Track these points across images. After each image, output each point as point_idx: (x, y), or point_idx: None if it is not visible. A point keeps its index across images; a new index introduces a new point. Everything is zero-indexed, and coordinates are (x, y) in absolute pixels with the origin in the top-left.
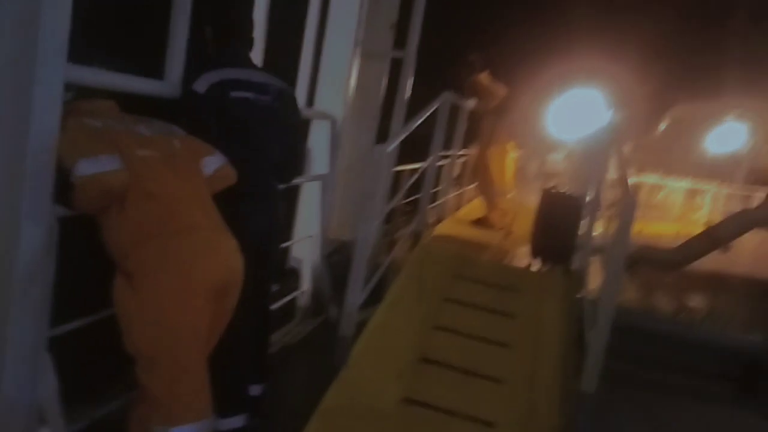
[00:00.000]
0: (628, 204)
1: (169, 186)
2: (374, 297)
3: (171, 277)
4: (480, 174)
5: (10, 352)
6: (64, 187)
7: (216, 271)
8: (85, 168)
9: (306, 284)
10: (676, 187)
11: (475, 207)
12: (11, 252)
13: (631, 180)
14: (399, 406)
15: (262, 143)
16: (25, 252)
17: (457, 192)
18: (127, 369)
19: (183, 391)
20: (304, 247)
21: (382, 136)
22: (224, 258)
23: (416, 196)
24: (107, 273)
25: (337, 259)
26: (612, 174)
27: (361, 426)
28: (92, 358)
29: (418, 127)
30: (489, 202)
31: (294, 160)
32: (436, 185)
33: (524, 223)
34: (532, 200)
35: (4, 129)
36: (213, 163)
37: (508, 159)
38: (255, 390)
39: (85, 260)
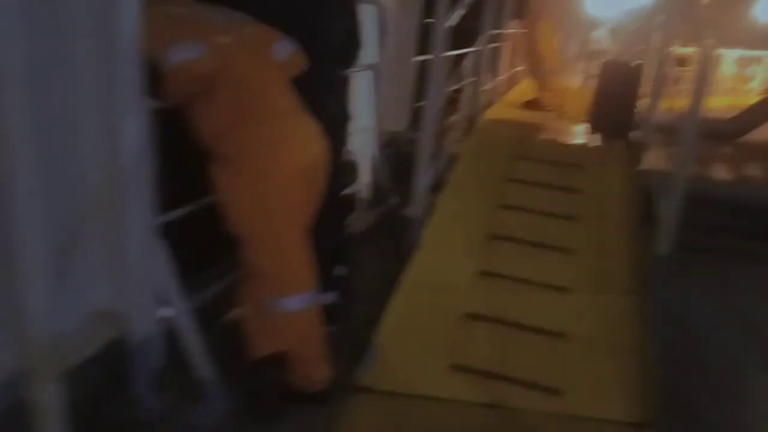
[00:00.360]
0: (703, 72)
1: (252, 72)
2: (435, 183)
3: (263, 160)
4: (529, 54)
5: (127, 240)
6: (154, 77)
7: (304, 153)
8: (173, 56)
9: (364, 177)
10: (727, 58)
11: (524, 88)
12: (113, 145)
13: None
14: (474, 279)
15: (323, 30)
16: (126, 144)
17: (506, 74)
18: (228, 251)
19: (287, 265)
20: (359, 139)
21: (425, 22)
22: (311, 140)
23: (465, 82)
24: (203, 161)
25: (390, 151)
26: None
27: (443, 297)
28: (196, 243)
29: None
30: (539, 83)
31: (353, 46)
32: (485, 69)
33: (575, 102)
34: (576, 80)
35: (91, 25)
36: (284, 49)
37: (555, 37)
38: (339, 270)
39: (181, 151)
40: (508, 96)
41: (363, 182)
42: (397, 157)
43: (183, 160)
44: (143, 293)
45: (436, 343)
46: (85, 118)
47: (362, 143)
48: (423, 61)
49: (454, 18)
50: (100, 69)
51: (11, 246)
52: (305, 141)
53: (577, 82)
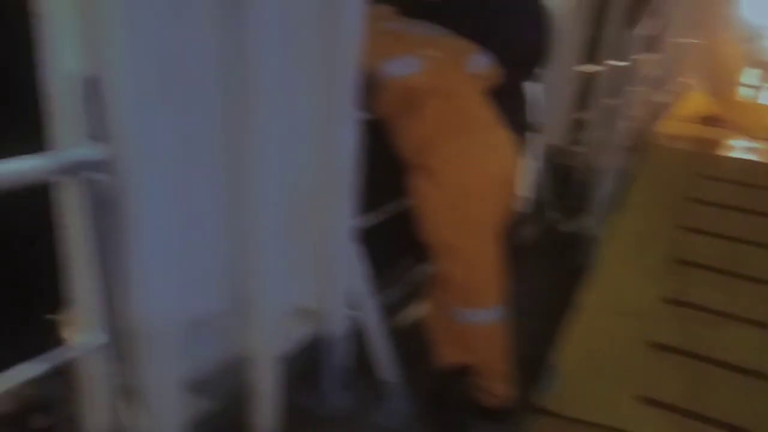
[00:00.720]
0: None
1: (456, 85)
2: (609, 200)
3: (463, 172)
4: (707, 66)
5: (329, 241)
6: (369, 90)
7: (501, 165)
8: (390, 70)
9: (526, 190)
10: None
11: (696, 102)
12: (327, 152)
13: None
14: (661, 306)
15: (512, 39)
16: (339, 153)
17: (676, 86)
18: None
19: (480, 277)
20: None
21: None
22: (507, 152)
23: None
24: (394, 171)
25: (552, 164)
26: None
27: (626, 323)
28: (382, 246)
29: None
30: (719, 97)
31: (538, 56)
32: (655, 80)
33: (756, 118)
34: (749, 94)
35: (316, 39)
36: (480, 61)
37: (736, 49)
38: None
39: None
40: (679, 109)
41: (524, 195)
42: (559, 171)
43: (375, 166)
44: (339, 293)
45: (622, 372)
46: (304, 125)
47: (526, 156)
48: (585, 72)
49: (642, 27)
50: (321, 80)
51: (244, 237)
52: (502, 152)
53: (751, 96)
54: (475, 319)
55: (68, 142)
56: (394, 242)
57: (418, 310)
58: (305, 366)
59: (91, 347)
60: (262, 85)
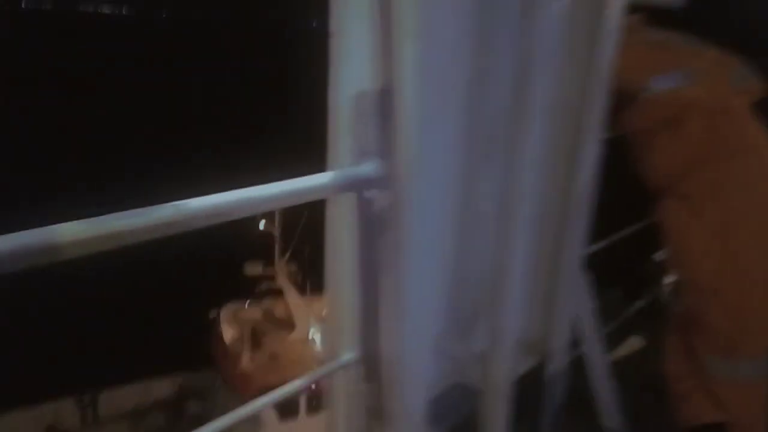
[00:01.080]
0: None
1: (727, 100)
2: None
3: (732, 201)
4: None
5: (557, 268)
6: (626, 105)
7: None
8: (656, 84)
9: None
10: None
11: None
12: (568, 176)
13: None
14: None
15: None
16: (582, 172)
17: None
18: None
19: (746, 324)
20: None
21: None
22: None
23: None
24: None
25: None
26: None
27: None
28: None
29: None
30: None
31: None
32: None
33: None
34: None
35: (576, 54)
36: (744, 73)
37: None
38: None
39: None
40: None
41: None
42: None
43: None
44: (562, 325)
45: None
46: (552, 147)
47: None
48: None
49: None
50: (577, 95)
51: (494, 264)
52: None
53: None
54: (737, 372)
55: (347, 160)
56: (609, 270)
57: (636, 349)
58: (520, 400)
59: (344, 363)
60: (533, 104)
